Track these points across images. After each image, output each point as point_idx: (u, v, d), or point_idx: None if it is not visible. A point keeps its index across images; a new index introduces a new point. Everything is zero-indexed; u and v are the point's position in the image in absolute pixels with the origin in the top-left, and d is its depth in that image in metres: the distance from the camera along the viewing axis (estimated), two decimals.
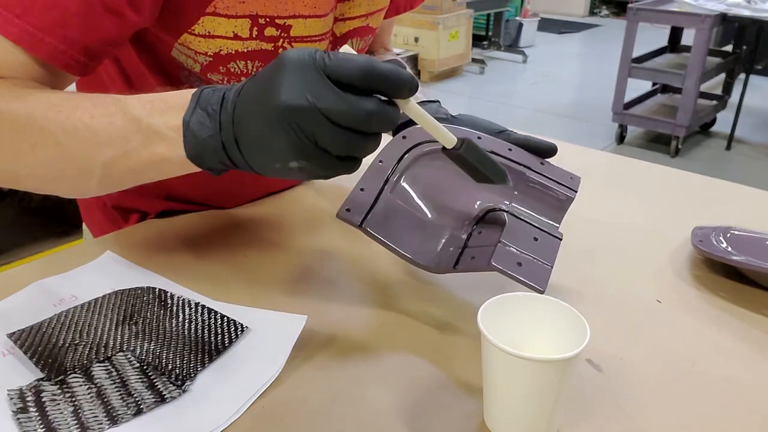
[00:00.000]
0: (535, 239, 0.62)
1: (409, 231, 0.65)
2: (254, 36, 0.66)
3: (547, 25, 6.65)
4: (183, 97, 0.52)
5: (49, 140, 0.54)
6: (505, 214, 0.65)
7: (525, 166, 0.68)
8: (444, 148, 0.54)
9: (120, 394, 0.52)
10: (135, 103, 0.53)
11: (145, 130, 0.52)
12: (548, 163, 0.69)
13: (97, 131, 0.53)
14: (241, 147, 0.48)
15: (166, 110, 0.52)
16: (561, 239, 0.64)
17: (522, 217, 0.64)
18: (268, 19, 0.66)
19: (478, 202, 0.67)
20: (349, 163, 0.47)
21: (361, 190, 0.65)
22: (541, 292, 0.56)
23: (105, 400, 0.51)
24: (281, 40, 0.68)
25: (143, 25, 0.62)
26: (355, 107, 0.43)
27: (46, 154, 0.55)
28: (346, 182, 0.95)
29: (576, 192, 0.68)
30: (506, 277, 0.58)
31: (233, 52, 0.67)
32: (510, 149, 0.69)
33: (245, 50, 0.67)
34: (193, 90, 0.52)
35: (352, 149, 0.45)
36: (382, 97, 0.46)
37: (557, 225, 0.66)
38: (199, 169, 0.52)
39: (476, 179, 0.57)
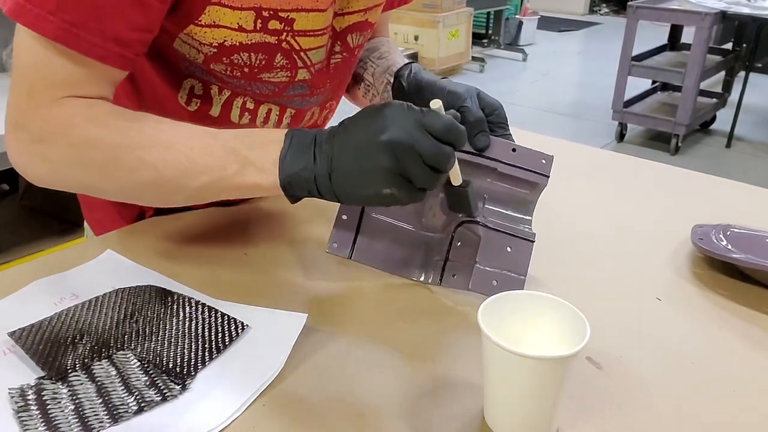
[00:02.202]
0: (509, 249, 0.66)
1: (394, 246, 0.70)
2: (258, 28, 0.67)
3: (547, 24, 6.65)
4: (277, 135, 0.60)
5: (148, 168, 0.60)
6: (479, 226, 0.67)
7: (497, 161, 0.67)
8: (448, 183, 0.62)
9: (121, 393, 0.52)
10: (230, 137, 0.60)
11: (242, 161, 0.59)
12: (520, 148, 0.67)
13: (196, 161, 0.59)
14: (334, 178, 0.56)
15: (263, 144, 0.59)
16: (533, 241, 0.67)
17: (495, 227, 0.67)
18: (271, 12, 0.66)
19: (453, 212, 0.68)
20: (422, 194, 0.57)
21: (344, 217, 0.70)
22: None
23: (106, 398, 0.51)
24: (285, 34, 0.69)
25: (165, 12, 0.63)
26: (442, 151, 0.55)
27: (142, 178, 0.61)
28: None
29: (548, 176, 0.67)
30: None
31: (237, 44, 0.67)
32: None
33: (249, 42, 0.67)
34: (284, 131, 0.60)
35: (428, 182, 0.55)
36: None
37: (530, 216, 0.68)
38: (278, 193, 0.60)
39: (453, 208, 0.66)
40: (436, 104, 0.57)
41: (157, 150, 0.60)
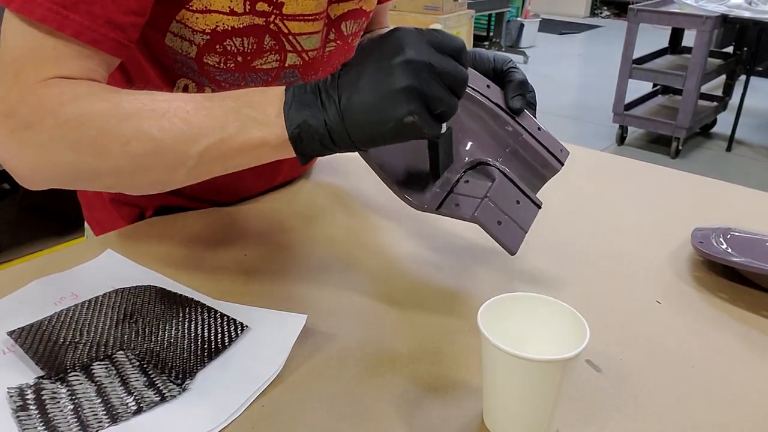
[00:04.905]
0: (518, 202, 0.65)
1: (403, 162, 0.67)
2: (247, 10, 0.67)
3: (548, 26, 6.65)
4: (276, 90, 0.56)
5: (143, 137, 0.56)
6: (495, 170, 0.66)
7: (523, 127, 0.68)
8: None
9: (120, 393, 0.52)
10: (228, 98, 0.57)
11: (242, 118, 0.55)
12: (545, 131, 0.70)
13: (194, 124, 0.56)
14: (348, 118, 0.53)
15: (262, 100, 0.56)
16: (540, 207, 0.66)
17: (510, 177, 0.66)
18: None
19: (471, 152, 0.68)
20: (439, 126, 0.54)
21: None
22: (513, 254, 0.61)
23: (105, 398, 0.51)
24: (273, 16, 0.68)
25: None
26: (458, 69, 0.53)
27: (139, 149, 0.56)
28: (344, 180, 0.95)
29: (562, 165, 0.69)
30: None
31: (229, 28, 0.67)
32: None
33: (241, 26, 0.67)
34: (283, 87, 0.56)
35: (447, 104, 0.53)
36: None
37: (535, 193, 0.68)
38: (291, 155, 0.56)
39: (433, 165, 0.64)
40: (437, 26, 0.56)
41: (152, 117, 0.56)
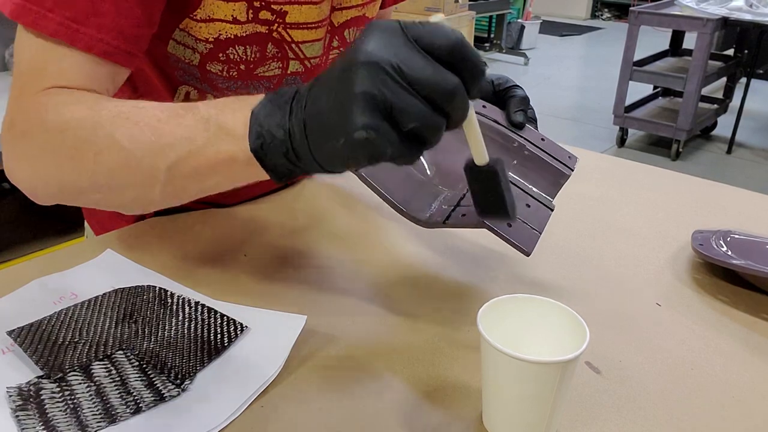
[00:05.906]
0: (528, 206, 0.64)
1: (404, 184, 0.67)
2: (250, 19, 0.67)
3: (549, 28, 6.66)
4: (257, 97, 0.49)
5: (114, 147, 0.52)
6: None
7: (526, 139, 0.68)
8: (471, 163, 0.51)
9: (119, 393, 0.52)
10: (206, 105, 0.51)
11: (212, 128, 0.49)
12: (549, 140, 0.70)
13: (163, 134, 0.50)
14: (309, 127, 0.43)
15: (237, 108, 0.49)
16: (553, 210, 0.66)
17: (516, 184, 0.66)
18: (263, 3, 0.67)
19: None
20: (413, 148, 0.42)
21: None
22: (528, 255, 0.59)
23: (104, 398, 0.51)
24: (276, 25, 0.69)
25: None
26: (442, 76, 0.40)
27: (110, 161, 0.52)
28: (345, 180, 0.95)
29: (572, 170, 0.69)
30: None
31: (232, 36, 0.67)
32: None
33: (243, 34, 0.68)
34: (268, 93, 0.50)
35: (420, 120, 0.40)
36: None
37: (551, 200, 0.68)
38: (264, 177, 0.49)
39: (481, 206, 0.55)
40: (437, 17, 0.42)
41: (125, 126, 0.51)
